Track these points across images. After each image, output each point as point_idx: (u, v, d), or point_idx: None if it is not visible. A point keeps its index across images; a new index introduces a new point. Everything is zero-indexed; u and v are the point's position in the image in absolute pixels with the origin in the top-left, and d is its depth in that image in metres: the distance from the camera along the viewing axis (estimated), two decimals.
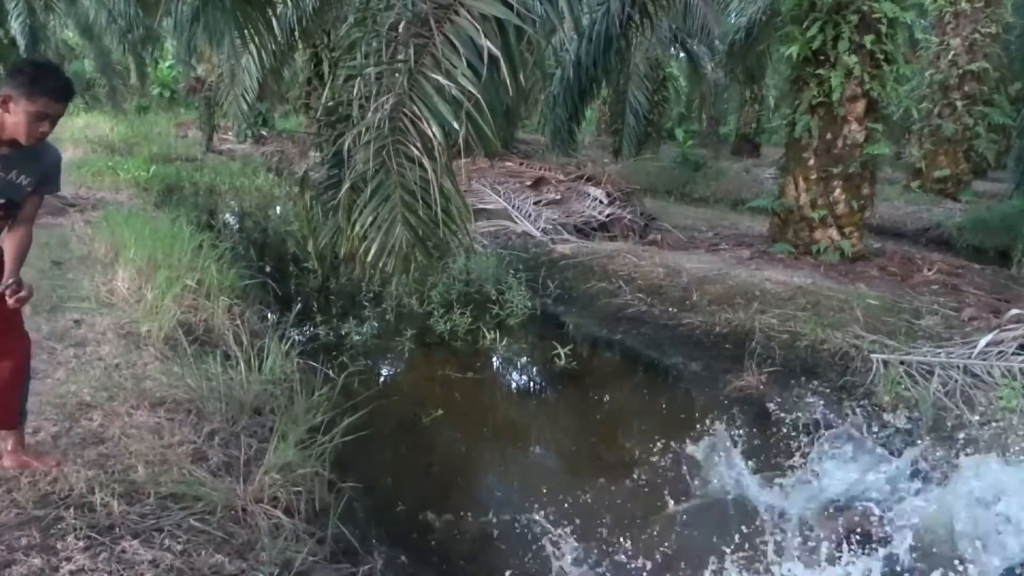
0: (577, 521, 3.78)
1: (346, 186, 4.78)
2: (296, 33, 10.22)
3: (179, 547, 2.54)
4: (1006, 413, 4.44)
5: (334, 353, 5.64)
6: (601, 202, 9.68)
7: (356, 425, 3.60)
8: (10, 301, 2.62)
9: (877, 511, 3.68)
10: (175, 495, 2.82)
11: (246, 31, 6.22)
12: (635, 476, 4.24)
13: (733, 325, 6.11)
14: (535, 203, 9.77)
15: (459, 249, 6.82)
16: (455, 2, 4.30)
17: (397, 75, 4.41)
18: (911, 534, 3.29)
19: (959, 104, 13.14)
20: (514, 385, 6.19)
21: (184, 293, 5.21)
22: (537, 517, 3.78)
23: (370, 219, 4.56)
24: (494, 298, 7.10)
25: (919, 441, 4.38)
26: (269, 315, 6.43)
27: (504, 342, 6.33)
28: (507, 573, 3.37)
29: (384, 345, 6.33)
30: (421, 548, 3.47)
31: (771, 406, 5.18)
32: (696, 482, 4.19)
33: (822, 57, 7.35)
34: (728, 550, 3.47)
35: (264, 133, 21.52)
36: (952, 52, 13.01)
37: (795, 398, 5.28)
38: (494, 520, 3.76)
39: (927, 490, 3.99)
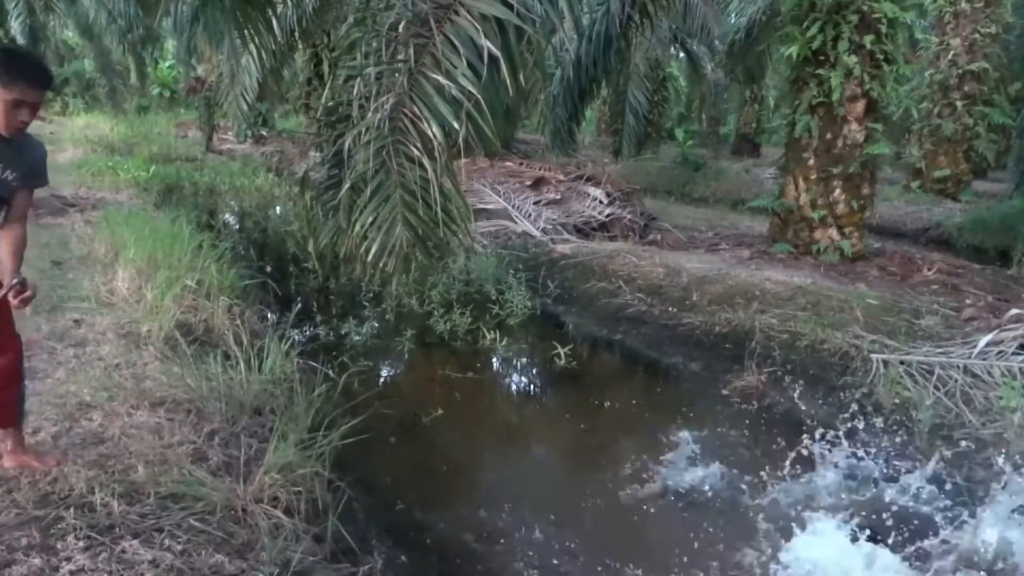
0: (576, 521, 3.79)
1: (346, 186, 4.78)
2: (296, 33, 10.23)
3: (179, 547, 2.54)
4: (1006, 413, 4.44)
5: (334, 353, 5.64)
6: (601, 202, 9.68)
7: (356, 425, 3.60)
8: (14, 301, 2.61)
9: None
10: (175, 495, 2.82)
11: (246, 31, 6.22)
12: (635, 476, 4.25)
13: (733, 325, 6.11)
14: (535, 203, 9.77)
15: (459, 249, 6.83)
16: (455, 2, 4.30)
17: (397, 75, 4.41)
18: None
19: (959, 104, 13.14)
20: (514, 385, 6.19)
21: (184, 293, 5.21)
22: (537, 517, 3.79)
23: (370, 219, 4.56)
24: (494, 298, 7.10)
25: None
26: (269, 315, 6.43)
27: (504, 342, 6.33)
28: (507, 573, 3.38)
29: (384, 345, 6.33)
30: (421, 548, 3.47)
31: (771, 406, 5.19)
32: (696, 482, 4.19)
33: (822, 57, 7.35)
34: (728, 551, 3.49)
35: (264, 133, 21.52)
36: (952, 52, 13.01)
37: (795, 398, 5.28)
38: (494, 520, 3.76)
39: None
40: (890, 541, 3.49)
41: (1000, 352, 4.91)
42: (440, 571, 3.35)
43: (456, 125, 4.19)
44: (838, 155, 7.51)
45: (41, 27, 16.78)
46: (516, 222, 9.44)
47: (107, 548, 2.46)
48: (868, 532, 3.53)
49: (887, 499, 3.93)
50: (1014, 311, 5.45)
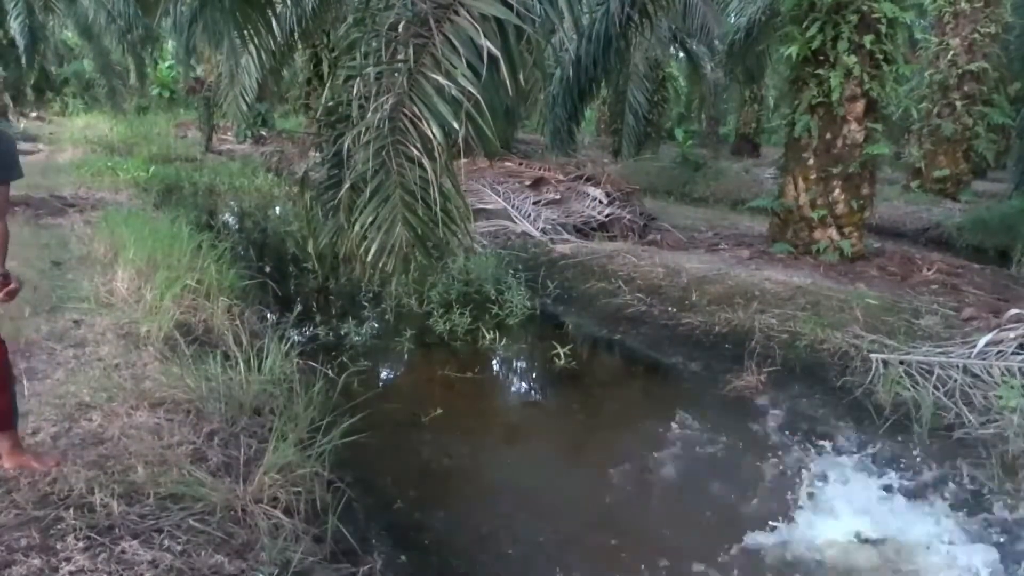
0: (576, 520, 3.79)
1: (346, 186, 4.78)
2: (295, 33, 10.22)
3: (179, 547, 2.54)
4: (1005, 412, 4.44)
5: (334, 353, 5.64)
6: (601, 202, 9.68)
7: (355, 425, 3.60)
8: (0, 294, 2.60)
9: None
10: (175, 495, 2.82)
11: (245, 31, 6.22)
12: (634, 476, 4.25)
13: (733, 325, 6.11)
14: (535, 203, 9.77)
15: (459, 249, 6.82)
16: (455, 2, 4.30)
17: (397, 75, 4.41)
18: None
19: (958, 104, 13.15)
20: (513, 385, 6.19)
21: (183, 293, 5.21)
22: (536, 517, 3.79)
23: (370, 219, 4.56)
24: (493, 298, 7.10)
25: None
26: (269, 315, 6.43)
27: (504, 342, 6.33)
28: (507, 573, 3.38)
29: (384, 345, 6.33)
30: (421, 548, 3.47)
31: (770, 406, 5.19)
32: (695, 481, 4.19)
33: (821, 57, 7.35)
34: (725, 550, 3.49)
35: (263, 133, 21.52)
36: (951, 52, 13.02)
37: (794, 398, 5.29)
38: (494, 519, 3.76)
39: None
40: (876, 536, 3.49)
41: (1000, 352, 4.91)
42: (440, 571, 3.35)
43: (456, 125, 4.19)
44: (838, 155, 7.51)
45: (40, 27, 16.80)
46: (516, 222, 9.44)
47: (107, 549, 2.46)
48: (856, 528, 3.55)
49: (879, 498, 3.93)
50: (1014, 311, 5.45)
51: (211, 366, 3.90)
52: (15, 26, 14.91)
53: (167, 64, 29.77)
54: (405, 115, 4.34)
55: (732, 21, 13.57)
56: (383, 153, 4.40)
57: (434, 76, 4.23)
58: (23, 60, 16.50)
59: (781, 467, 4.27)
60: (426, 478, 4.15)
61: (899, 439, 4.56)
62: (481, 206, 9.70)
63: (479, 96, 4.15)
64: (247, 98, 11.72)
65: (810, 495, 3.97)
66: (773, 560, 3.44)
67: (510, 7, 4.19)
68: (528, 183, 10.27)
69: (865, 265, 7.49)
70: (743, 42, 11.64)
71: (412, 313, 6.89)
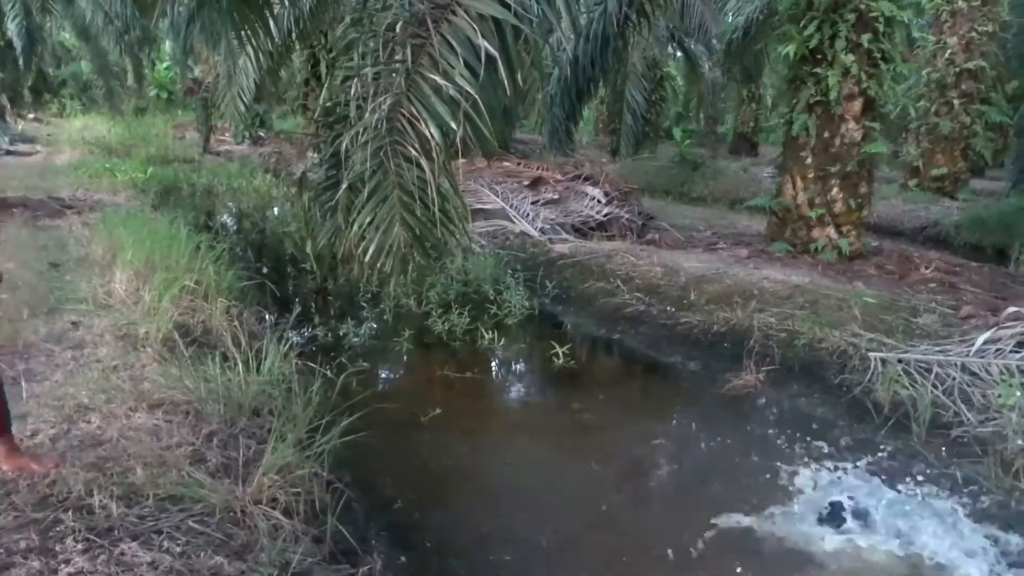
0: (575, 520, 3.79)
1: (344, 187, 4.78)
2: (293, 34, 10.21)
3: (178, 549, 2.54)
4: (1004, 410, 4.44)
5: (332, 354, 5.63)
6: (599, 202, 9.68)
7: (354, 426, 3.60)
8: None
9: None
10: (174, 497, 2.82)
11: (243, 32, 6.21)
12: (634, 476, 4.25)
13: (731, 324, 6.12)
14: (533, 203, 9.77)
15: (457, 249, 6.82)
16: (452, 2, 4.30)
17: (394, 75, 4.41)
18: None
19: (956, 102, 13.16)
20: (512, 385, 6.18)
21: (182, 295, 5.20)
22: (536, 516, 3.79)
23: (368, 219, 4.56)
24: (492, 298, 7.10)
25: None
26: (267, 316, 6.43)
27: (502, 342, 6.34)
28: (506, 573, 3.38)
29: (382, 345, 6.33)
30: (420, 548, 3.47)
31: (769, 404, 5.20)
32: (696, 481, 4.20)
33: (819, 56, 7.36)
34: (726, 550, 3.49)
35: (262, 134, 21.52)
36: (949, 51, 13.03)
37: (793, 397, 5.29)
38: (493, 519, 3.76)
39: None
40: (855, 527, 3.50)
41: (998, 350, 4.92)
42: (439, 572, 3.35)
43: (454, 125, 4.19)
44: (836, 154, 7.52)
45: (38, 28, 16.78)
46: (514, 222, 9.44)
47: (106, 550, 2.46)
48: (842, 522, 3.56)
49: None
50: (1012, 309, 5.46)
51: (210, 367, 3.90)
52: (12, 27, 14.88)
53: (165, 65, 29.76)
54: (403, 115, 4.34)
55: (730, 20, 13.57)
56: (381, 153, 4.40)
57: (432, 76, 4.23)
58: (20, 61, 16.46)
59: (781, 466, 4.27)
60: (425, 478, 4.15)
61: (898, 437, 4.56)
62: (479, 206, 9.69)
63: (477, 96, 4.16)
64: (245, 99, 11.70)
65: (810, 493, 3.98)
66: (774, 558, 3.44)
67: (507, 7, 4.19)
68: (526, 183, 10.27)
69: (863, 264, 7.50)
70: (741, 41, 11.65)
71: (411, 313, 6.89)
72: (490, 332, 6.32)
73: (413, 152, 4.32)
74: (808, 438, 4.67)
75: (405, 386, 5.91)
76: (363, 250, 4.61)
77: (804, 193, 7.71)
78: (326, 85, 6.89)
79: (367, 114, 4.38)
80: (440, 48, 4.24)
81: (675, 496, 4.10)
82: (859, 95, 7.37)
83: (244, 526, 2.80)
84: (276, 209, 13.15)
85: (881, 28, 7.18)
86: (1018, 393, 4.48)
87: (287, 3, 9.49)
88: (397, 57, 4.42)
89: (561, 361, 5.86)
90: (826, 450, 4.50)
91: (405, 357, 6.11)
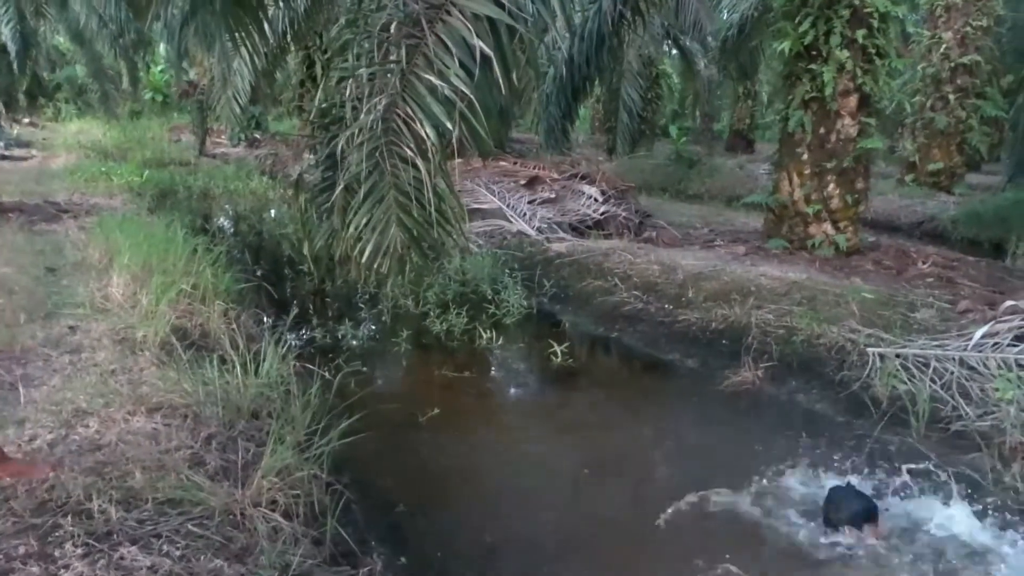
0: (575, 520, 3.79)
1: (340, 188, 4.78)
2: (288, 35, 10.22)
3: (178, 552, 2.54)
4: (1002, 404, 4.45)
5: (331, 355, 5.63)
6: (596, 200, 9.68)
7: (353, 427, 3.60)
8: None
9: None
10: (173, 500, 2.81)
11: (237, 34, 6.20)
12: (633, 474, 4.25)
13: (729, 321, 6.12)
14: (530, 202, 9.77)
15: (454, 249, 6.82)
16: (447, 2, 4.29)
17: (389, 76, 4.40)
18: None
19: (952, 97, 13.18)
20: (510, 385, 6.18)
21: (179, 298, 5.19)
22: (535, 515, 3.79)
23: (364, 220, 4.56)
24: (490, 298, 7.10)
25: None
26: (265, 318, 6.42)
27: (500, 342, 6.34)
28: (506, 572, 3.38)
29: (380, 346, 6.33)
30: (421, 549, 3.46)
31: (768, 401, 5.20)
32: (694, 479, 4.19)
33: (814, 52, 7.36)
34: (725, 554, 3.49)
35: (257, 136, 21.48)
36: (944, 46, 13.05)
37: (792, 393, 5.30)
38: (493, 520, 3.76)
39: None
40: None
41: (996, 344, 4.92)
42: (440, 572, 3.35)
43: (449, 125, 4.19)
44: (832, 150, 7.52)
45: (32, 33, 16.76)
46: (511, 221, 9.44)
47: (105, 555, 2.45)
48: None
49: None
50: (1009, 303, 5.46)
51: (208, 370, 3.89)
52: (6, 32, 14.87)
53: (159, 68, 29.71)
54: (398, 116, 4.34)
55: (725, 17, 13.58)
56: (377, 154, 4.39)
57: (427, 76, 4.22)
58: (15, 66, 16.45)
59: (780, 463, 4.27)
60: (425, 479, 4.15)
61: (896, 432, 4.57)
62: (476, 206, 9.69)
63: (472, 96, 4.15)
64: (240, 101, 11.69)
65: (809, 490, 3.98)
66: (774, 555, 3.45)
67: (502, 7, 4.18)
68: (523, 182, 10.27)
69: (860, 259, 7.50)
70: (736, 38, 11.65)
71: (409, 314, 6.89)
72: (488, 332, 6.32)
73: (409, 152, 4.31)
74: (807, 434, 4.67)
75: (404, 387, 5.91)
76: (360, 251, 4.61)
77: (801, 189, 7.71)
78: (321, 86, 6.89)
79: (362, 115, 4.37)
80: (435, 48, 4.23)
81: (675, 495, 4.09)
82: (854, 91, 7.37)
83: (244, 529, 2.79)
84: (273, 211, 13.13)
85: (876, 23, 7.18)
86: (1016, 387, 4.49)
87: (281, 4, 9.48)
88: (392, 57, 4.42)
89: (559, 360, 5.86)
90: (825, 446, 4.51)
91: (403, 358, 6.11)
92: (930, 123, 13.44)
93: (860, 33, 7.13)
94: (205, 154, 19.61)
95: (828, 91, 7.26)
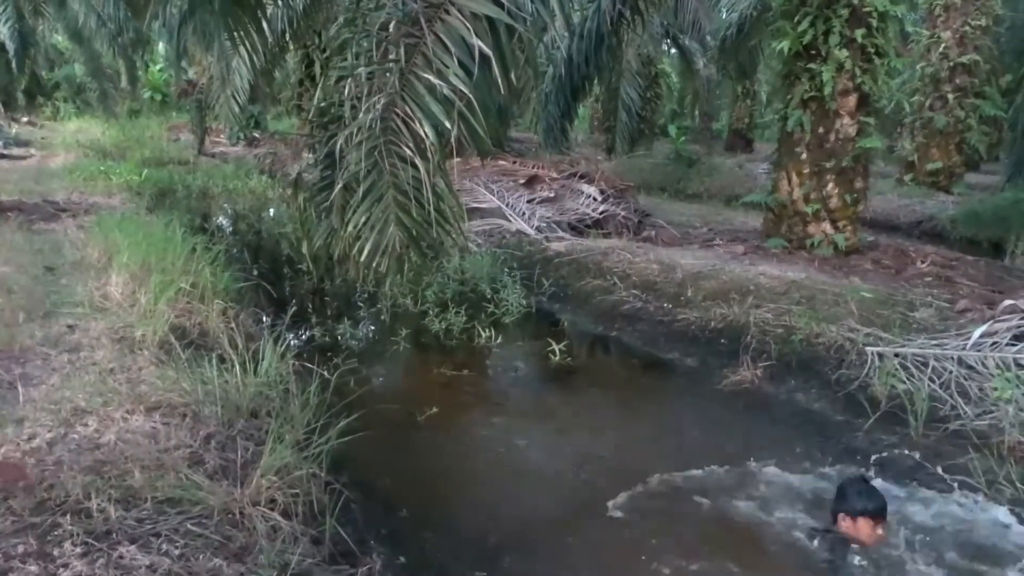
0: (574, 518, 3.79)
1: (339, 187, 4.78)
2: (287, 34, 10.21)
3: (177, 551, 2.54)
4: (1001, 404, 4.45)
5: (330, 354, 5.63)
6: (595, 199, 9.68)
7: (352, 426, 3.60)
8: None
9: None
10: (172, 499, 2.81)
11: (236, 33, 6.19)
12: (632, 473, 4.25)
13: (728, 320, 6.12)
14: (529, 201, 9.78)
15: (453, 248, 6.82)
16: (446, 1, 4.29)
17: (388, 75, 4.40)
18: None
19: (951, 97, 13.18)
20: (509, 383, 6.18)
21: (178, 297, 5.19)
22: (534, 514, 3.80)
23: (363, 219, 4.56)
24: (489, 297, 7.10)
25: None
26: (264, 317, 6.42)
27: (499, 340, 6.34)
28: (505, 571, 3.38)
29: (379, 346, 6.33)
30: (420, 548, 3.47)
31: (766, 400, 5.20)
32: (694, 478, 4.20)
33: (813, 51, 7.36)
34: (722, 547, 3.49)
35: (256, 135, 21.48)
36: (943, 45, 13.05)
37: (791, 392, 5.30)
38: (492, 519, 3.76)
39: None
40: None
41: (994, 343, 4.93)
42: (439, 571, 3.35)
43: (448, 124, 4.19)
44: (831, 149, 7.52)
45: (30, 31, 16.75)
46: (510, 220, 9.44)
47: (104, 554, 2.45)
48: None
49: None
50: (1008, 302, 5.47)
51: (207, 369, 3.89)
52: (4, 31, 14.86)
53: (158, 67, 29.72)
54: (397, 115, 4.33)
55: (724, 16, 13.59)
56: (376, 153, 4.39)
57: (426, 75, 4.22)
58: (13, 65, 16.44)
59: (778, 461, 4.27)
60: (424, 477, 4.15)
61: (895, 431, 4.57)
62: (475, 205, 9.70)
63: (471, 95, 4.15)
64: (239, 100, 11.67)
65: (808, 488, 3.99)
66: (774, 552, 3.45)
67: (501, 6, 4.18)
68: (522, 181, 10.27)
69: (859, 259, 7.51)
70: (735, 37, 11.66)
71: (408, 313, 6.89)
72: (487, 331, 6.33)
73: (408, 152, 4.31)
74: (805, 433, 4.68)
75: (402, 386, 5.91)
76: (359, 250, 4.61)
77: (800, 189, 7.71)
78: (320, 85, 6.88)
79: (361, 114, 4.37)
80: (434, 47, 4.23)
81: (674, 493, 4.10)
82: (853, 90, 7.38)
83: (243, 528, 2.79)
84: (272, 210, 13.13)
85: (875, 23, 7.19)
86: (1015, 386, 4.49)
87: (280, 3, 9.48)
88: (391, 57, 4.42)
89: (558, 358, 5.86)
90: (824, 445, 4.51)
91: (402, 357, 6.11)
92: (929, 122, 13.44)
93: (859, 32, 7.13)
94: (204, 153, 19.60)
95: (827, 90, 7.26)
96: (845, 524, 3.29)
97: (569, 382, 5.76)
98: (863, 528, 3.22)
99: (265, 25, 7.01)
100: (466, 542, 3.55)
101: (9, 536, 2.50)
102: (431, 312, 6.64)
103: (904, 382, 4.81)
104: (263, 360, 4.09)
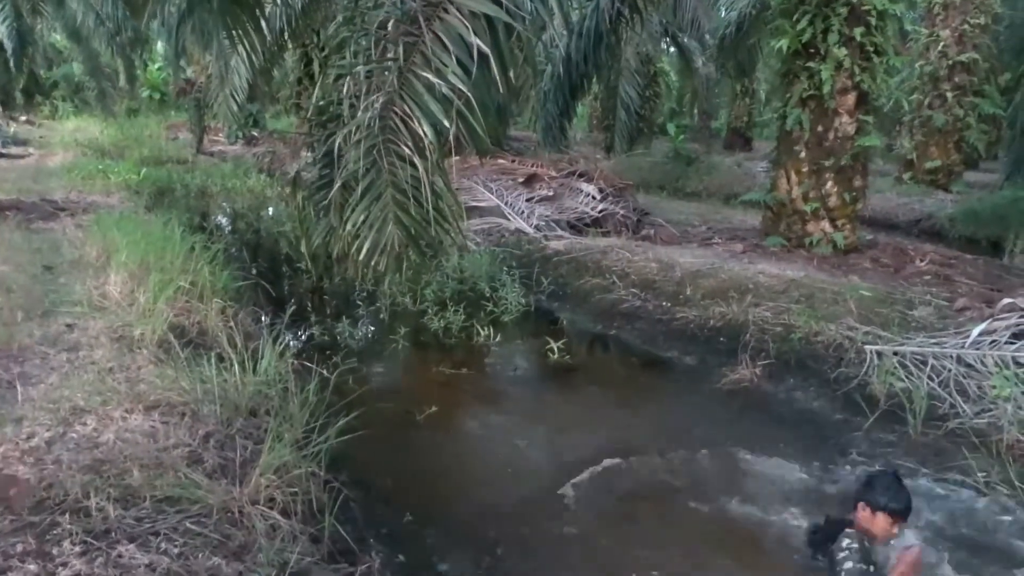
0: (572, 517, 3.79)
1: (337, 185, 4.77)
2: (285, 33, 10.19)
3: (176, 550, 2.54)
4: (999, 402, 4.46)
5: (328, 353, 5.63)
6: (594, 198, 9.68)
7: (351, 425, 3.60)
8: None
9: None
10: (171, 498, 2.81)
11: (234, 32, 6.19)
12: (631, 472, 4.25)
13: (727, 319, 6.12)
14: (528, 200, 9.78)
15: (452, 247, 6.82)
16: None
17: (387, 74, 4.40)
18: None
19: (949, 95, 13.19)
20: (508, 382, 6.17)
21: (177, 296, 5.19)
22: (533, 513, 3.79)
23: (362, 218, 4.56)
24: (488, 295, 7.10)
25: None
26: (263, 316, 6.41)
27: (498, 339, 6.34)
28: (504, 570, 3.38)
29: (378, 344, 6.33)
30: (419, 546, 3.47)
31: (765, 398, 5.20)
32: (693, 477, 4.20)
33: (812, 50, 7.36)
34: (721, 545, 3.49)
35: (255, 134, 21.46)
36: (942, 43, 13.06)
37: (790, 390, 5.30)
38: (491, 517, 3.76)
39: None
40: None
41: (993, 341, 4.93)
42: (438, 570, 3.35)
43: (447, 123, 4.19)
44: (829, 148, 7.53)
45: (28, 30, 16.71)
46: (509, 219, 9.44)
47: (103, 553, 2.45)
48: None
49: None
50: (1006, 300, 5.47)
51: (206, 368, 3.88)
52: (3, 29, 14.82)
53: (157, 66, 29.68)
54: (396, 113, 4.33)
55: (723, 15, 13.60)
56: (374, 152, 4.39)
57: (424, 74, 4.22)
58: (11, 64, 16.40)
59: (776, 460, 4.28)
60: (423, 476, 4.15)
61: (894, 430, 4.58)
62: (474, 204, 9.70)
63: (470, 94, 4.15)
64: (238, 99, 11.65)
65: (807, 487, 3.99)
66: (772, 551, 3.45)
67: (500, 4, 4.18)
68: (521, 180, 10.27)
69: (858, 257, 7.51)
70: (734, 36, 11.65)
71: (406, 312, 6.89)
72: (486, 329, 6.33)
73: (406, 150, 4.31)
74: (804, 431, 4.68)
75: (401, 384, 5.91)
76: (358, 249, 4.61)
77: (798, 187, 7.72)
78: (319, 84, 6.88)
79: (360, 112, 4.37)
80: (432, 46, 4.23)
81: (674, 492, 4.10)
82: (852, 89, 7.38)
83: (242, 526, 2.79)
84: (271, 209, 13.13)
85: (873, 21, 7.19)
86: (1013, 385, 4.50)
87: (279, 2, 9.47)
88: (389, 55, 4.42)
89: (556, 357, 5.86)
90: (823, 443, 4.51)
91: (401, 355, 6.11)
92: (928, 121, 13.45)
93: (858, 31, 7.14)
94: (203, 152, 19.58)
95: (826, 89, 7.27)
96: (863, 514, 3.19)
97: (568, 380, 5.76)
98: (880, 523, 3.12)
99: (264, 24, 7.01)
100: (465, 540, 3.55)
101: (8, 535, 2.50)
102: (430, 311, 6.64)
103: (903, 380, 4.81)
104: (262, 359, 4.09)
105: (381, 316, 6.89)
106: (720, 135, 23.81)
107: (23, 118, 25.92)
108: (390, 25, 4.45)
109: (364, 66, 4.50)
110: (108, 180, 12.31)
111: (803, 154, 7.66)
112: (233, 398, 3.77)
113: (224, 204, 13.82)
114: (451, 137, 4.25)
